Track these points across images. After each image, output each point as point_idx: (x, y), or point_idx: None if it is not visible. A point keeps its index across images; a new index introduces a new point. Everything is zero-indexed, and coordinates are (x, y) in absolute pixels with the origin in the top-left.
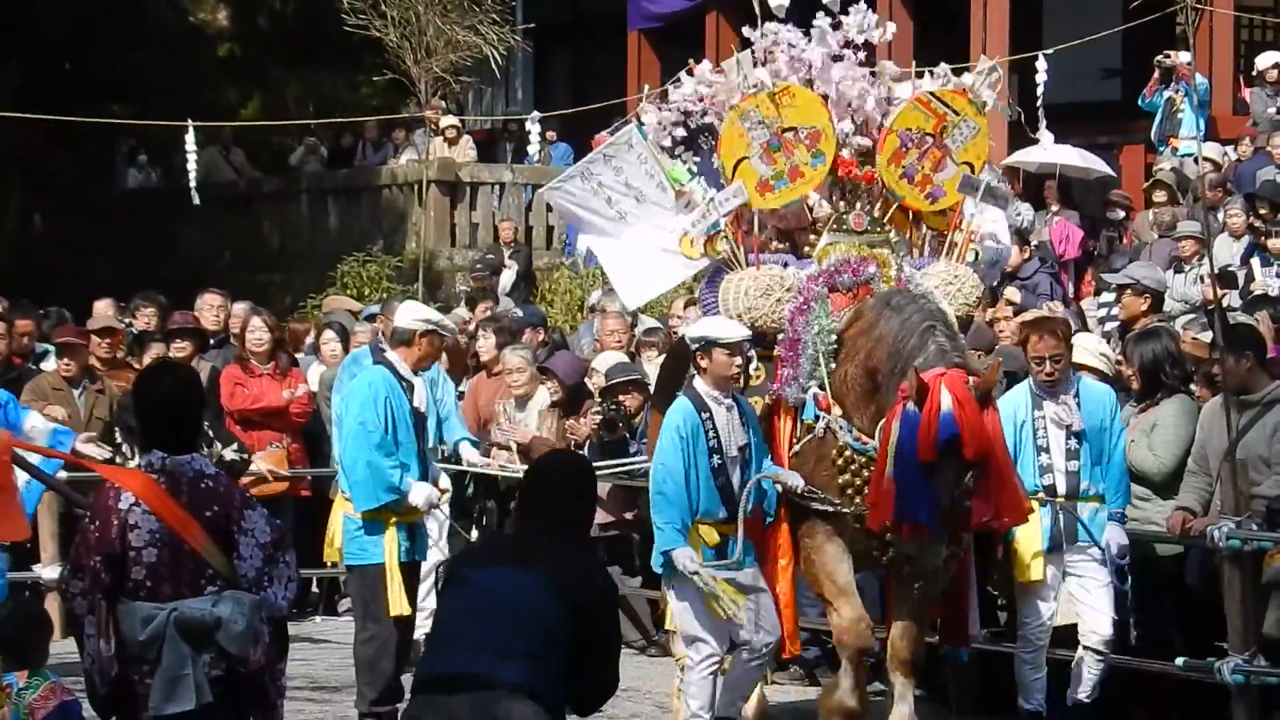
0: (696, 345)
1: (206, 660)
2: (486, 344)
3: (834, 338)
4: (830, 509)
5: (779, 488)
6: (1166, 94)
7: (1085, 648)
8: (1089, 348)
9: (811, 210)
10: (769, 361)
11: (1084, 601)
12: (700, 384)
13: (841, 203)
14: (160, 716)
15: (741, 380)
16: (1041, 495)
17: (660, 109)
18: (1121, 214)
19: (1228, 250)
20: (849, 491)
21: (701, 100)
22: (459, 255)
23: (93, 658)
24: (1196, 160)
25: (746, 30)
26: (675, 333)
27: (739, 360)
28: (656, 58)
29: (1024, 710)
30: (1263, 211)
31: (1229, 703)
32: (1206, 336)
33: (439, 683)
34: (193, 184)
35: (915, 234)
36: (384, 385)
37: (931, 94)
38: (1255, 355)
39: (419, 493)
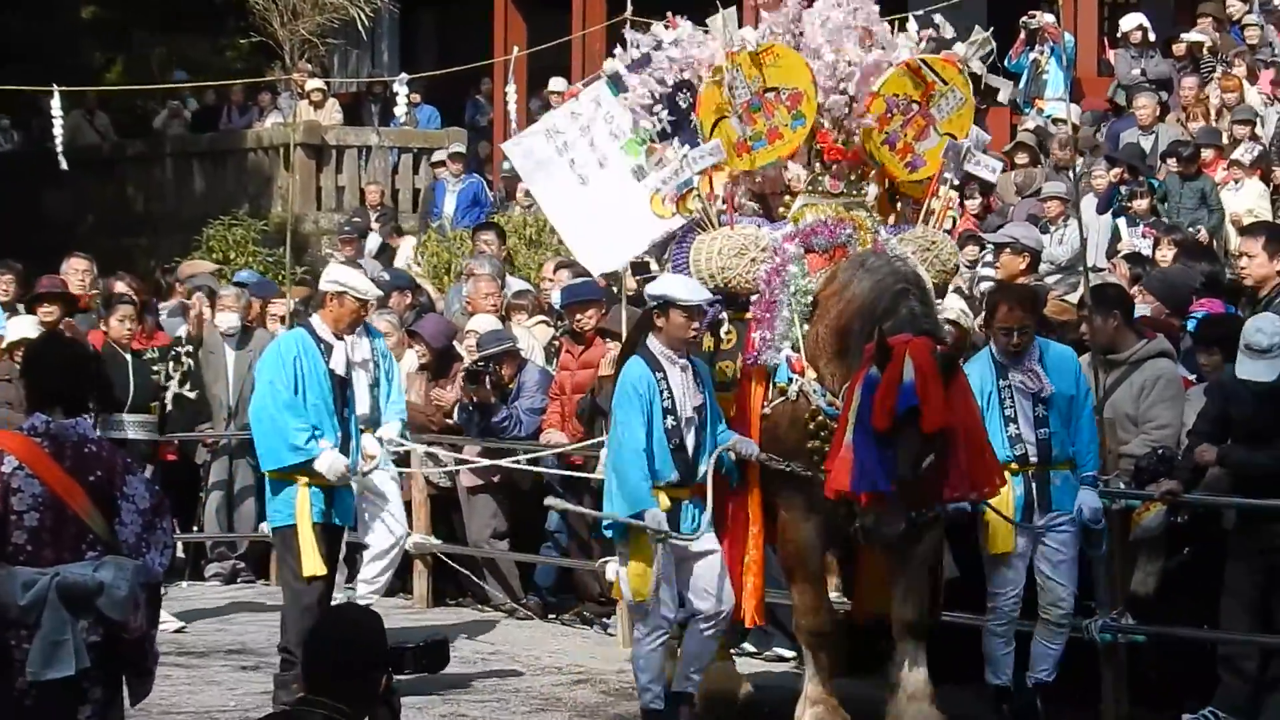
0: (654, 304)
1: (85, 625)
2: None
3: (809, 299)
4: (793, 472)
5: (732, 456)
6: (1032, 55)
7: (1043, 620)
8: (949, 305)
9: (787, 177)
10: (742, 324)
11: (1048, 574)
12: (654, 343)
13: (818, 164)
14: (38, 681)
15: (713, 343)
16: (1014, 465)
17: (639, 72)
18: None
19: (1090, 210)
20: (816, 458)
21: (684, 63)
22: (325, 219)
23: None
24: (1056, 121)
25: None
26: (546, 298)
27: (696, 324)
28: (523, 20)
29: (992, 685)
30: (1123, 173)
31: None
32: (1072, 298)
33: None
34: (59, 148)
35: (887, 199)
36: (295, 346)
37: (923, 61)
38: (1122, 314)
39: (325, 461)
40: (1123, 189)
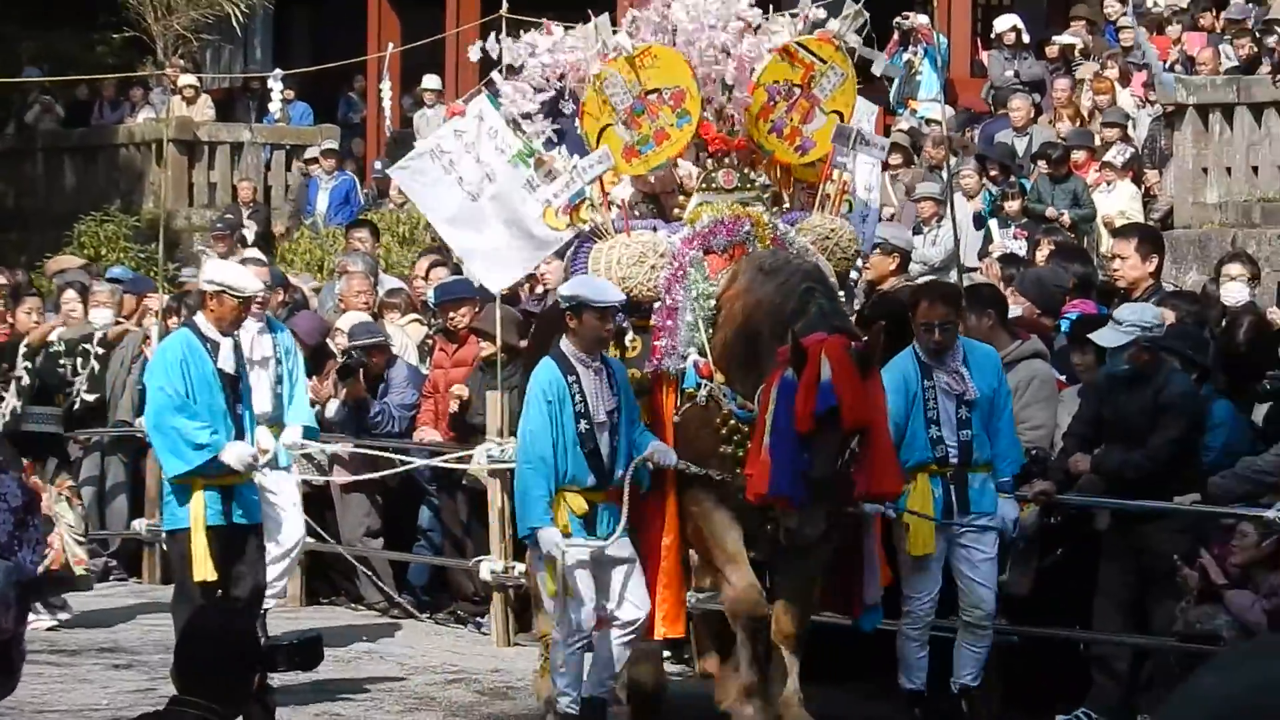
0: (567, 305)
1: None
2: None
3: (712, 302)
4: (709, 476)
5: (649, 465)
6: (905, 56)
7: (965, 623)
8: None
9: (679, 176)
10: (645, 332)
11: (969, 575)
12: (567, 345)
13: (710, 160)
14: None
15: (619, 352)
16: (934, 466)
17: (514, 81)
18: None
19: (962, 211)
20: (729, 462)
21: (559, 69)
22: (197, 215)
23: None
24: (929, 122)
25: None
26: (423, 297)
27: (609, 325)
28: (397, 17)
29: (905, 689)
30: (994, 173)
31: None
32: None
33: None
34: None
35: (787, 186)
36: (180, 348)
37: (798, 43)
38: (996, 314)
39: (231, 452)
40: (994, 189)
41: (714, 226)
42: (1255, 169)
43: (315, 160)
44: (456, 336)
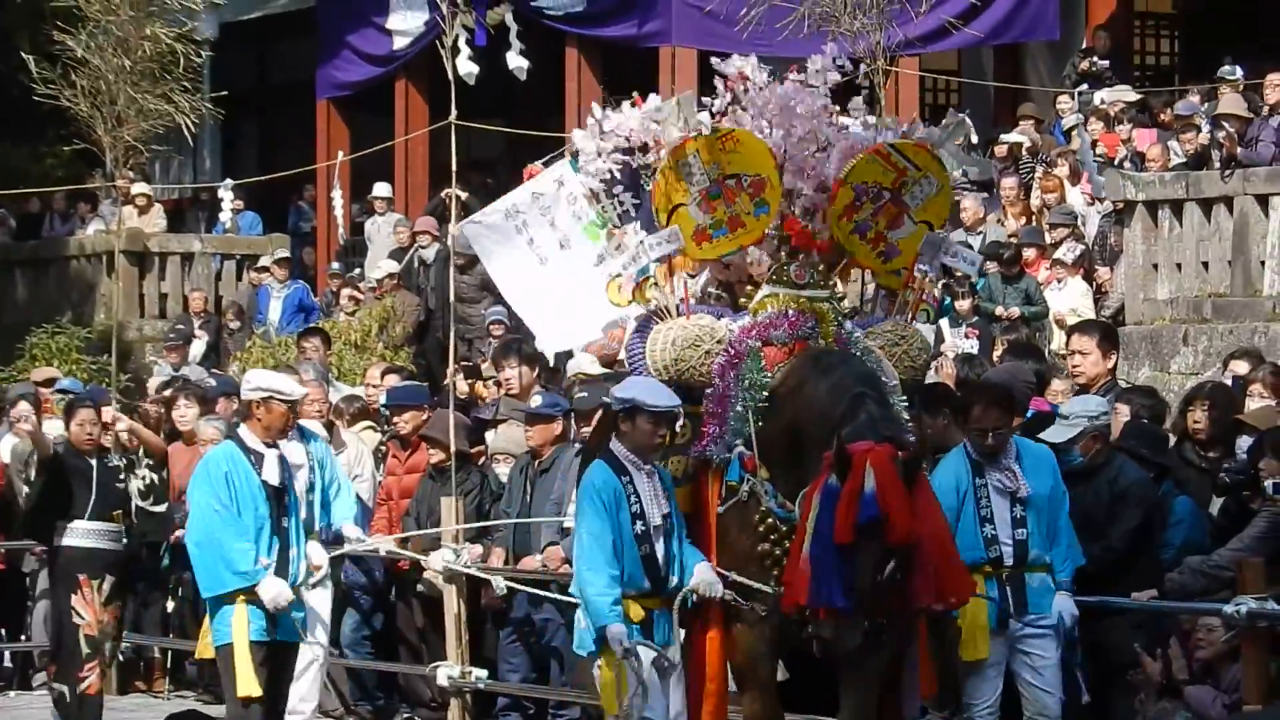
0: (620, 407)
1: None
2: (189, 414)
3: (765, 394)
4: (758, 604)
5: (694, 597)
6: None
7: None
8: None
9: (751, 266)
10: (695, 419)
11: (1031, 681)
12: (619, 447)
13: (784, 254)
14: None
15: (670, 439)
16: (988, 568)
17: (593, 151)
18: None
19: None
20: (767, 562)
21: (645, 133)
22: (149, 325)
23: None
24: None
25: (715, 61)
26: (376, 404)
27: (663, 431)
28: (345, 125)
29: None
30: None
31: None
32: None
33: None
34: None
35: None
36: (224, 461)
37: (891, 146)
38: (951, 413)
39: (268, 589)
40: (943, 289)
41: (776, 319)
42: (1205, 264)
43: (266, 269)
44: (408, 443)
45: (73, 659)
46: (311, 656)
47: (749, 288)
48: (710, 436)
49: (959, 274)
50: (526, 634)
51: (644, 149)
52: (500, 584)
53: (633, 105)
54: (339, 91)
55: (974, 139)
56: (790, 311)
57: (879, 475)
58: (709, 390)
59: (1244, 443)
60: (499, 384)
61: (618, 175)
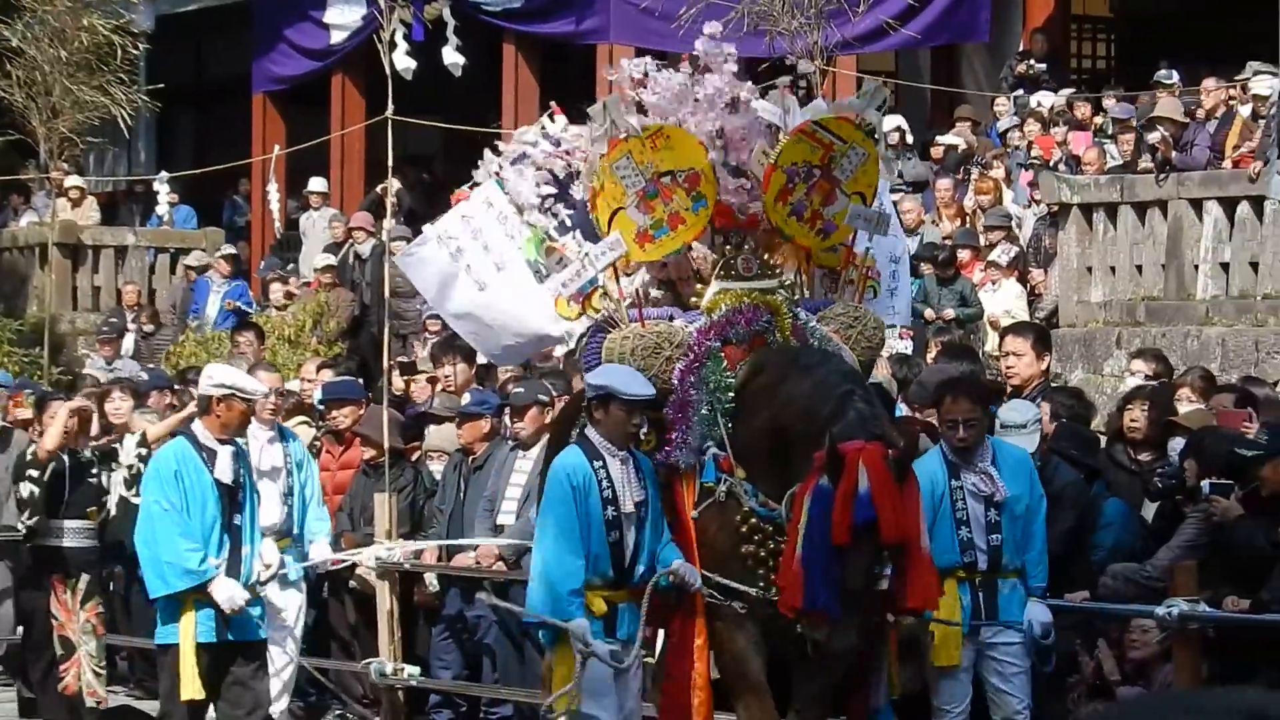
0: (593, 395)
1: None
2: (124, 406)
3: (731, 395)
4: (737, 602)
5: (670, 579)
6: None
7: None
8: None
9: (695, 261)
10: (659, 425)
11: (1000, 687)
12: (593, 433)
13: (727, 246)
14: None
15: (635, 444)
16: (961, 572)
17: (520, 169)
18: None
19: None
20: (750, 563)
21: (567, 154)
22: (81, 319)
23: None
24: None
25: (623, 62)
26: (310, 399)
27: (637, 419)
28: (281, 118)
29: None
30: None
31: None
32: None
33: None
34: None
35: (807, 272)
36: (174, 459)
37: (815, 123)
38: (887, 414)
39: (222, 589)
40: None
41: (732, 316)
42: (1139, 267)
43: (206, 267)
44: (343, 438)
45: (43, 658)
46: (285, 660)
47: (698, 285)
48: (675, 443)
49: None
50: (459, 631)
51: (567, 165)
52: (432, 581)
53: (551, 118)
54: (275, 85)
55: (909, 139)
56: (745, 307)
57: (872, 475)
58: (671, 397)
59: (1175, 445)
60: (432, 381)
61: (545, 194)
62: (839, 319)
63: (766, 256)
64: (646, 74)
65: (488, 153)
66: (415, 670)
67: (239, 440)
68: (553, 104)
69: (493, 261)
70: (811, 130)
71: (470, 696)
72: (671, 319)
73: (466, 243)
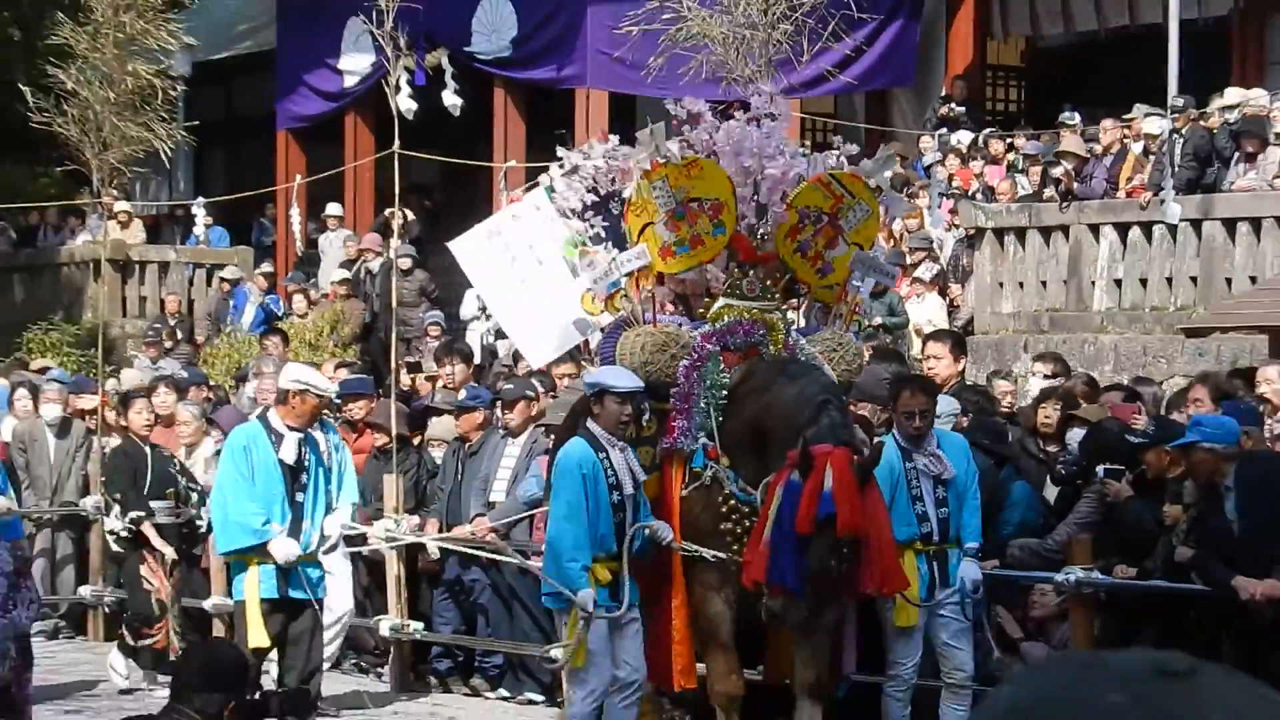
0: (591, 391)
1: None
2: (168, 399)
3: (724, 392)
4: (709, 559)
5: (646, 533)
6: None
7: (949, 685)
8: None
9: (708, 280)
10: (661, 415)
11: (947, 641)
12: (594, 426)
13: (736, 270)
14: None
15: (634, 430)
16: (919, 544)
17: (570, 181)
18: None
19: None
20: (728, 539)
21: (610, 170)
22: (130, 324)
23: None
24: None
25: (669, 104)
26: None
27: (629, 409)
28: (302, 152)
29: None
30: None
31: None
32: None
33: None
34: None
35: (801, 301)
36: (246, 437)
37: (832, 175)
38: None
39: (279, 547)
40: None
41: (733, 326)
42: (1044, 283)
43: (239, 280)
44: (357, 428)
45: (144, 619)
46: (336, 615)
47: (706, 299)
48: (679, 430)
49: None
50: (457, 593)
51: (612, 180)
52: (434, 549)
53: (600, 140)
54: (296, 123)
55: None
56: (745, 321)
57: (837, 475)
58: (674, 389)
59: (1074, 435)
60: (433, 379)
61: (588, 204)
62: (825, 343)
63: (769, 283)
64: (699, 114)
65: (551, 173)
66: (419, 626)
67: (310, 430)
68: (601, 129)
69: (535, 257)
70: (828, 181)
71: (466, 648)
72: (680, 326)
73: (513, 239)
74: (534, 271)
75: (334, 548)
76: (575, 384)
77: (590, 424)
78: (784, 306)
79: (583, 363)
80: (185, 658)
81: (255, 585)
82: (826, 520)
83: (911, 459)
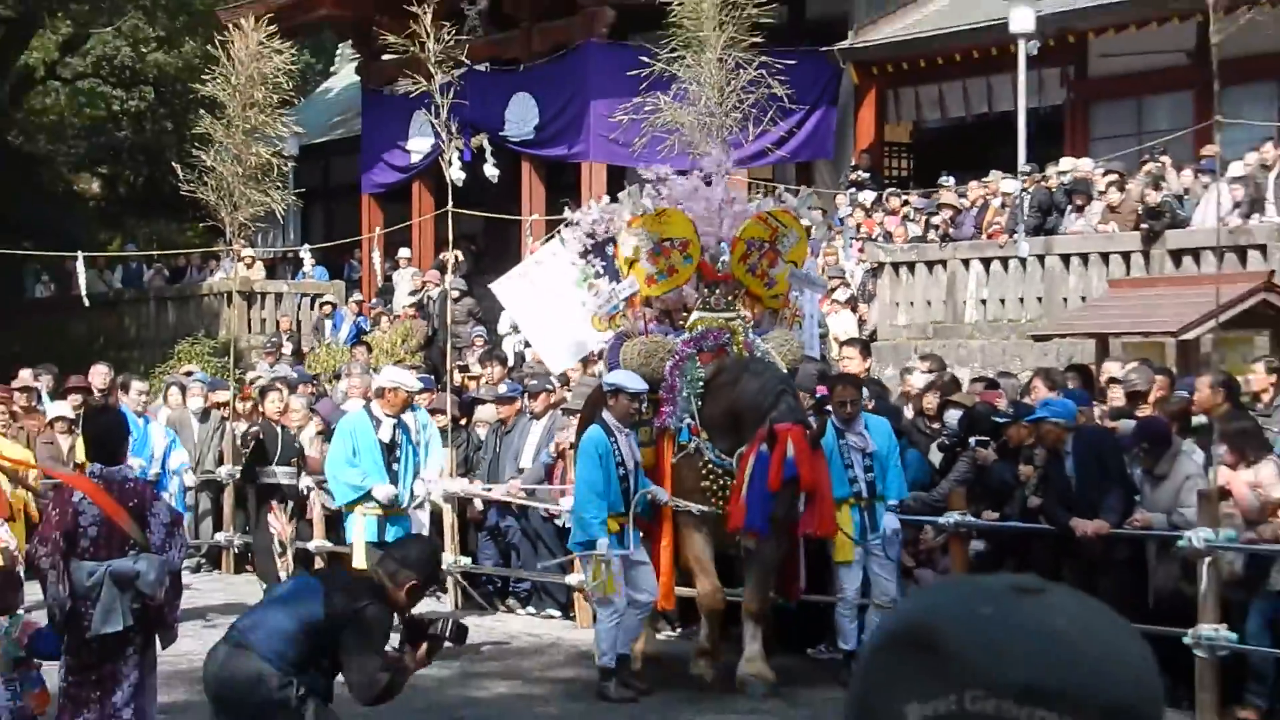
0: (609, 389)
1: (128, 598)
2: (283, 395)
3: (701, 384)
4: (696, 512)
5: (649, 498)
6: None
7: (877, 605)
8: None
9: (685, 299)
10: (654, 403)
11: (877, 572)
12: (608, 416)
13: (704, 289)
14: (97, 634)
15: (638, 416)
16: (852, 499)
17: (573, 232)
18: None
19: None
20: (708, 494)
21: (604, 223)
22: (253, 339)
23: (54, 599)
24: None
25: (641, 169)
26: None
27: (636, 405)
28: (380, 210)
29: (842, 649)
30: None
31: None
32: None
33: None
34: (83, 293)
35: (756, 310)
36: (353, 421)
37: (768, 212)
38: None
39: (380, 490)
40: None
41: (705, 333)
42: (929, 302)
43: (335, 305)
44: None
45: (269, 554)
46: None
47: (683, 313)
48: (668, 413)
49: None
50: (496, 535)
51: (605, 230)
52: (479, 503)
53: (596, 201)
54: (376, 189)
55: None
56: (714, 328)
57: (796, 446)
58: (663, 383)
59: (951, 415)
60: (476, 378)
61: (591, 249)
62: (774, 340)
63: (730, 299)
64: (665, 177)
65: (562, 228)
66: (467, 560)
67: (401, 417)
68: (599, 193)
69: (556, 290)
70: (765, 217)
71: (503, 576)
72: (665, 335)
73: (539, 277)
74: (555, 302)
75: (422, 505)
76: (585, 379)
77: (605, 414)
78: (742, 315)
79: (590, 365)
80: (394, 544)
81: (361, 529)
82: (791, 480)
83: (844, 436)
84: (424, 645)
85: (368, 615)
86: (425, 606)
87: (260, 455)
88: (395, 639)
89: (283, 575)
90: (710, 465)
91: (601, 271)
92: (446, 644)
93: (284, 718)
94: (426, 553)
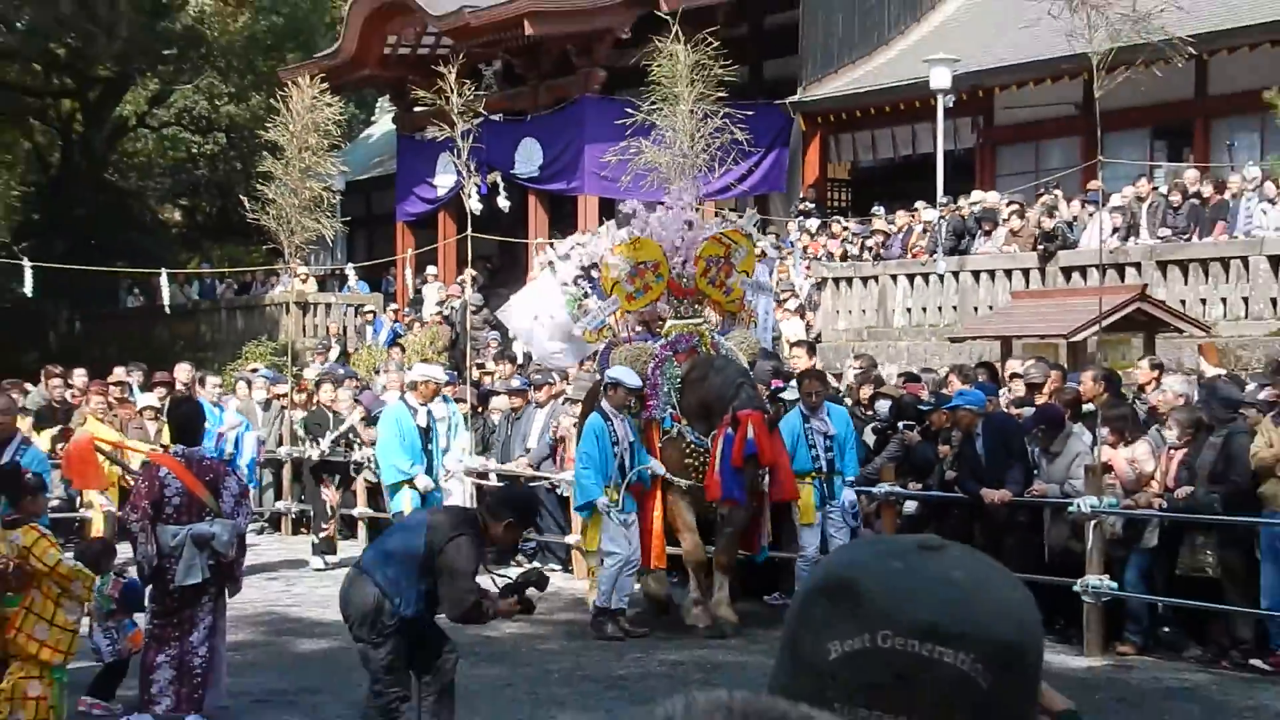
0: (609, 381)
1: (205, 556)
2: (331, 389)
3: (679, 380)
4: (683, 485)
5: (648, 471)
6: None
7: None
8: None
9: (660, 310)
10: (640, 398)
11: (833, 535)
12: (605, 405)
13: (675, 301)
14: (180, 585)
15: (630, 409)
16: (814, 473)
17: (565, 258)
18: None
19: None
20: (690, 471)
21: (588, 252)
22: (307, 341)
23: (144, 556)
24: None
25: (619, 205)
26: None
27: (630, 397)
28: (412, 235)
29: None
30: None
31: None
32: None
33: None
34: (166, 304)
35: (718, 315)
36: (396, 410)
37: (721, 233)
38: None
39: (420, 480)
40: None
41: (679, 338)
42: (864, 311)
43: (374, 313)
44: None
45: (322, 518)
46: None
47: (660, 322)
48: (653, 407)
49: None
50: None
51: (589, 258)
52: (493, 477)
53: (580, 233)
54: (408, 218)
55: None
56: (686, 333)
57: (756, 428)
58: (647, 381)
59: (882, 405)
60: (490, 374)
61: (577, 275)
62: (735, 338)
63: (698, 307)
64: (635, 211)
65: (549, 252)
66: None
67: (430, 406)
68: (592, 223)
69: (550, 312)
70: (718, 236)
71: None
72: (646, 341)
73: (534, 300)
74: (550, 321)
75: (451, 476)
76: (582, 375)
77: (603, 403)
78: (707, 320)
79: (585, 365)
80: (498, 489)
81: (407, 501)
82: (751, 456)
83: (809, 422)
84: (514, 596)
85: (462, 541)
86: None
87: (318, 434)
88: (494, 590)
89: (336, 537)
90: (692, 445)
91: (590, 291)
92: (531, 591)
93: (380, 631)
94: (523, 497)
